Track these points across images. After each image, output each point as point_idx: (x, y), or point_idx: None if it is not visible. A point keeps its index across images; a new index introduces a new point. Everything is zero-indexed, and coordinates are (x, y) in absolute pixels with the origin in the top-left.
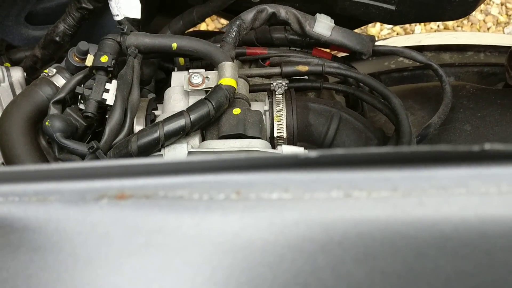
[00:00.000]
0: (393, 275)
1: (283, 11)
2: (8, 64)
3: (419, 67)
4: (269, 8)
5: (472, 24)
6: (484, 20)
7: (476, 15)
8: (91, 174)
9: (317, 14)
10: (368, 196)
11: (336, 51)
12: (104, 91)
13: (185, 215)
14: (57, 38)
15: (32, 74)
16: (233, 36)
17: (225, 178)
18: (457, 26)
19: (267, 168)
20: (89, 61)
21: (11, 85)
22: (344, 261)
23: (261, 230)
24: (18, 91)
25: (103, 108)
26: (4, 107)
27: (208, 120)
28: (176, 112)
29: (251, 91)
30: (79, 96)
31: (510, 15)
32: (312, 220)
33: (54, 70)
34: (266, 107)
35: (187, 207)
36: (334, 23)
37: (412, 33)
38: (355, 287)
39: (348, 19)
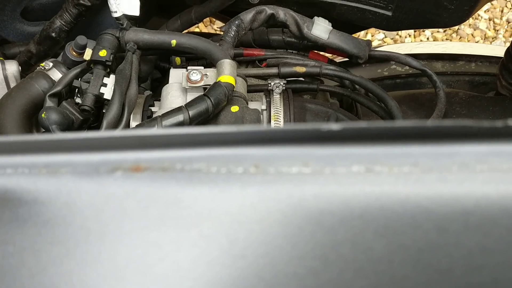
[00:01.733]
0: (414, 249)
1: (282, 13)
2: (1, 58)
3: (412, 75)
4: (268, 10)
5: (460, 37)
6: (472, 34)
7: (465, 29)
8: (105, 146)
9: (315, 17)
10: (389, 171)
11: (332, 55)
12: (102, 85)
13: (203, 188)
14: (53, 34)
15: (27, 69)
16: (232, 35)
17: (243, 152)
18: (446, 39)
19: (286, 142)
20: (88, 55)
21: (6, 78)
22: (364, 234)
23: (279, 203)
24: (12, 84)
25: (99, 103)
26: None
27: (207, 117)
28: (174, 108)
29: (247, 91)
30: (76, 90)
31: (497, 30)
32: (332, 194)
33: (51, 64)
34: (264, 106)
35: (205, 180)
36: None
37: (402, 43)
38: (375, 260)
39: (344, 24)
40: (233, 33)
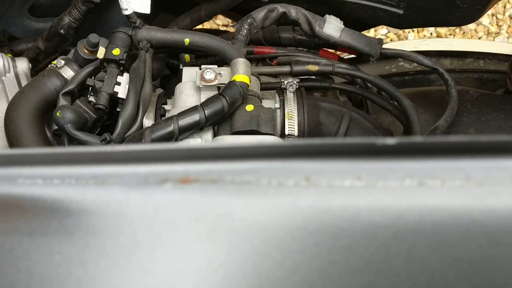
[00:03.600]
0: (467, 263)
1: (294, 11)
2: (11, 56)
3: (420, 72)
4: (280, 8)
5: (464, 33)
6: (475, 30)
7: (468, 24)
8: (153, 158)
9: (327, 16)
10: (442, 185)
11: (342, 53)
12: (115, 84)
13: (254, 200)
14: (62, 31)
15: (34, 66)
16: (244, 33)
17: (293, 165)
18: (450, 34)
19: (338, 155)
20: (101, 53)
21: (17, 75)
22: (418, 248)
23: (332, 216)
24: (23, 82)
25: (113, 101)
26: (10, 98)
27: (222, 116)
28: (187, 107)
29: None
30: (90, 88)
31: (500, 26)
32: (385, 207)
33: (63, 62)
34: (277, 105)
35: (256, 192)
36: None
37: (406, 39)
38: (428, 274)
39: (355, 22)
40: (245, 31)
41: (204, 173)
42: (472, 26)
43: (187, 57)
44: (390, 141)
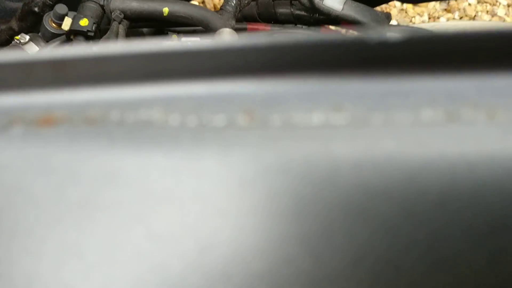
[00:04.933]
0: None
1: None
2: None
3: None
4: None
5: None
6: (490, 21)
7: (483, 16)
8: None
9: None
10: (488, 117)
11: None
12: None
13: (156, 154)
14: (36, 9)
15: None
16: (233, 4)
17: (227, 89)
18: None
19: (299, 68)
20: (67, 24)
21: None
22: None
23: (293, 179)
24: None
25: None
26: None
27: None
28: None
29: None
30: None
31: None
32: (388, 163)
33: (27, 37)
34: None
35: (160, 139)
36: None
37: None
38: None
39: None
40: (235, 1)
41: (77, 108)
42: (486, 17)
43: (174, 37)
44: (394, 36)
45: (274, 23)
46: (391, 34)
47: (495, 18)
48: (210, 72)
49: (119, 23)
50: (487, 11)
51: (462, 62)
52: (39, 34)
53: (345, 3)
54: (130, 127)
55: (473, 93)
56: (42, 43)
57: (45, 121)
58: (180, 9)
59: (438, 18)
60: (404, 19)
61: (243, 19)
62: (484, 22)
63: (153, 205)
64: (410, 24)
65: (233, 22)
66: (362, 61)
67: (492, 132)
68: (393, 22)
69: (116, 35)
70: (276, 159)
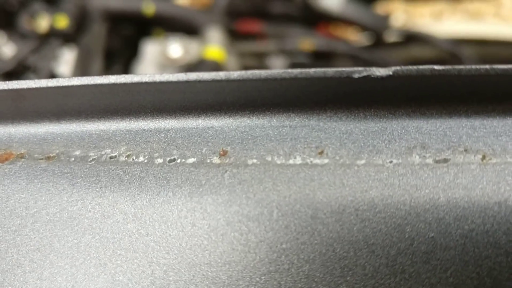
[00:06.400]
0: None
1: None
2: None
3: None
4: None
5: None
6: (494, 23)
7: (487, 17)
8: None
9: None
10: (482, 162)
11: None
12: (59, 61)
13: (120, 197)
14: (10, 7)
15: None
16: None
17: (200, 124)
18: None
19: (278, 108)
20: (43, 23)
21: None
22: None
23: (271, 226)
24: None
25: None
26: None
27: None
28: None
29: None
30: (30, 68)
31: None
32: (373, 207)
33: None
34: None
35: (124, 180)
36: None
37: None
38: None
39: None
40: None
41: (37, 143)
42: (491, 18)
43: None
44: (382, 71)
45: (266, 20)
46: (377, 69)
47: (499, 20)
48: (179, 107)
49: (99, 22)
50: (492, 13)
51: (453, 102)
52: (16, 33)
53: (343, 2)
54: (93, 165)
55: (464, 134)
56: (17, 44)
57: (4, 158)
58: (163, 7)
59: (441, 19)
60: (407, 19)
61: (234, 16)
62: (489, 24)
63: (117, 252)
64: (412, 25)
65: (224, 18)
66: (346, 98)
67: (483, 177)
68: (395, 22)
69: (96, 37)
70: (250, 204)
